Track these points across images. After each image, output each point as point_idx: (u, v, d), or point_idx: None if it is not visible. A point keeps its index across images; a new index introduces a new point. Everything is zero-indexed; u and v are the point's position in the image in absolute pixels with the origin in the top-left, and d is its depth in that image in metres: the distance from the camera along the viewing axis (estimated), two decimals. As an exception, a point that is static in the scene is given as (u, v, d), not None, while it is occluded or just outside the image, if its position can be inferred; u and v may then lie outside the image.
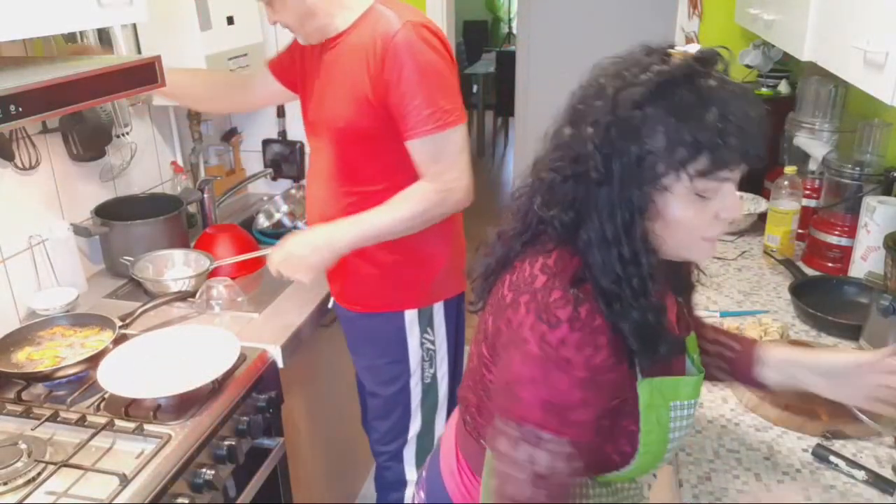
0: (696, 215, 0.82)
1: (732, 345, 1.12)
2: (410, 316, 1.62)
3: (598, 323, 0.82)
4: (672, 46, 0.82)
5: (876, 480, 1.15)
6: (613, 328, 0.83)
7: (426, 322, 1.64)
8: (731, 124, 0.77)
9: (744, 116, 0.78)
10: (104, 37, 1.83)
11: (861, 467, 1.17)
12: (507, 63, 5.59)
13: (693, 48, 0.81)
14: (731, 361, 1.11)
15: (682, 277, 1.03)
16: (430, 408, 1.72)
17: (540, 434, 0.81)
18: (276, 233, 2.21)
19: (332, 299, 1.75)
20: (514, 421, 0.83)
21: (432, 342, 1.66)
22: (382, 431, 1.77)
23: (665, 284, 0.95)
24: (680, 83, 0.78)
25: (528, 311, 0.83)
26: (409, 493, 1.82)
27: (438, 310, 1.64)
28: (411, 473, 1.79)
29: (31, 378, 1.44)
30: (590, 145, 0.80)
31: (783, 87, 2.46)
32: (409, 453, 1.77)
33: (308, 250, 1.49)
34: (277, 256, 1.52)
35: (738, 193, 0.87)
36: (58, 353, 1.51)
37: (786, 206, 1.90)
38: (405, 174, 1.46)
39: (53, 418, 1.35)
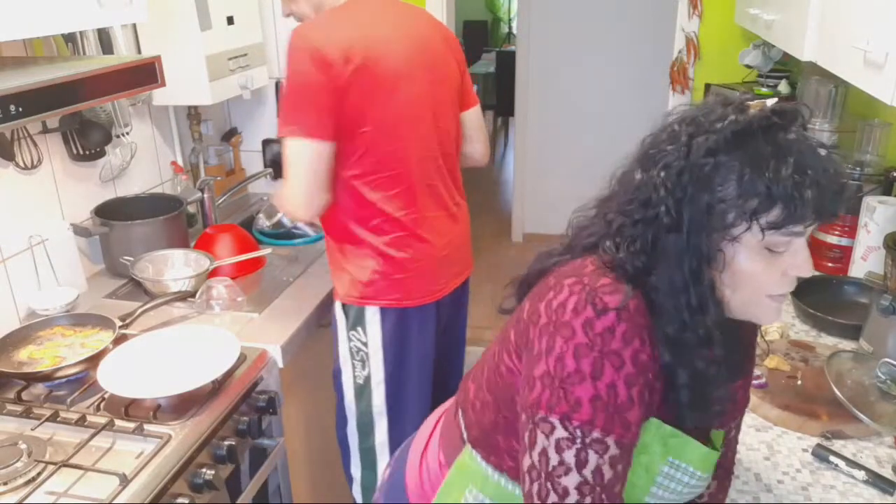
0: (764, 269, 0.81)
1: (711, 484, 1.06)
2: (338, 306, 1.65)
3: (644, 321, 0.79)
4: (750, 99, 0.81)
5: (876, 480, 1.15)
6: (667, 376, 0.81)
7: (354, 321, 1.63)
8: (808, 178, 0.75)
9: (821, 171, 0.77)
10: (104, 37, 1.83)
11: (861, 467, 1.17)
12: (507, 63, 5.58)
13: (771, 101, 0.80)
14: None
15: (738, 356, 0.98)
16: (364, 412, 1.69)
17: (588, 433, 0.76)
18: (276, 233, 2.21)
19: None
20: (557, 418, 0.77)
21: (364, 344, 1.63)
22: (336, 408, 1.77)
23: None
24: (756, 134, 0.77)
25: (572, 292, 0.80)
26: (356, 490, 1.80)
27: (373, 314, 1.61)
28: (355, 470, 1.78)
29: (31, 378, 1.44)
30: (661, 190, 0.79)
31: (783, 87, 2.46)
32: (352, 446, 1.75)
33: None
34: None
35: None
36: (58, 353, 1.51)
37: (786, 206, 1.90)
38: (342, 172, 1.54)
39: (53, 418, 1.35)
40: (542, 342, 0.80)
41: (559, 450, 0.77)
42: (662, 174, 0.79)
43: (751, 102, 0.80)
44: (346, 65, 1.42)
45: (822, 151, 0.78)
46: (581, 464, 0.76)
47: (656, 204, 0.79)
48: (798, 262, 0.81)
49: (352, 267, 1.61)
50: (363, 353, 1.65)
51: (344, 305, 1.64)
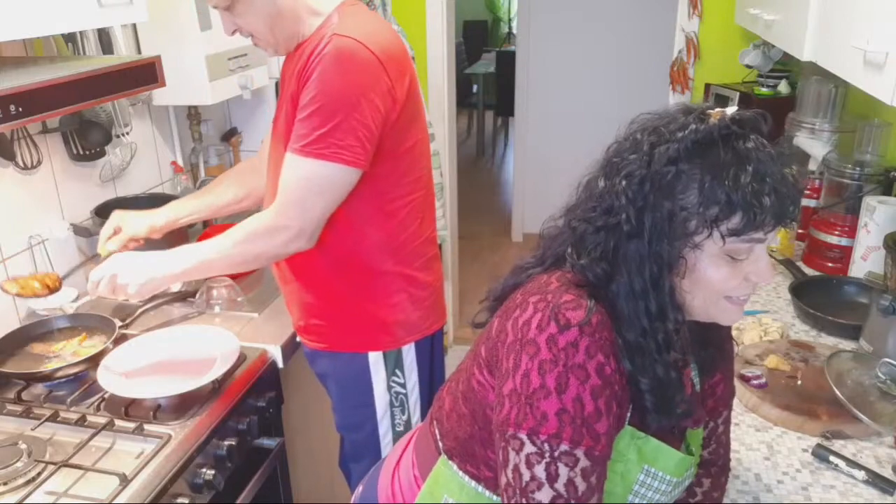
0: (726, 276, 0.82)
1: (704, 482, 1.08)
2: (374, 358, 1.48)
3: (608, 335, 0.80)
4: (711, 108, 0.83)
5: (876, 480, 1.15)
6: (631, 384, 0.82)
7: (394, 364, 1.50)
8: (767, 185, 0.77)
9: (780, 178, 0.78)
10: (104, 37, 1.83)
11: (861, 467, 1.17)
12: (507, 63, 5.58)
13: (731, 110, 0.82)
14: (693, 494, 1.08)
15: (709, 353, 1.00)
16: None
17: (556, 447, 0.77)
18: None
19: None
20: (525, 434, 0.78)
21: (402, 385, 1.52)
22: (358, 473, 1.60)
23: (689, 352, 0.94)
24: (717, 142, 0.79)
25: (537, 310, 0.81)
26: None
27: (408, 352, 1.50)
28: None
29: (31, 378, 1.44)
30: (623, 198, 0.80)
31: (783, 87, 2.46)
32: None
33: (131, 273, 1.33)
34: (97, 275, 1.34)
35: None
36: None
37: (786, 206, 1.90)
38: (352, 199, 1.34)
39: (53, 418, 1.35)
40: (510, 360, 0.82)
41: (529, 465, 0.78)
42: (624, 182, 0.81)
43: (711, 111, 0.81)
44: (402, 80, 1.30)
45: (780, 158, 0.80)
46: (552, 478, 0.77)
47: (618, 212, 0.81)
48: (759, 268, 0.83)
49: (381, 311, 1.45)
50: (402, 396, 1.53)
51: (385, 353, 1.48)
